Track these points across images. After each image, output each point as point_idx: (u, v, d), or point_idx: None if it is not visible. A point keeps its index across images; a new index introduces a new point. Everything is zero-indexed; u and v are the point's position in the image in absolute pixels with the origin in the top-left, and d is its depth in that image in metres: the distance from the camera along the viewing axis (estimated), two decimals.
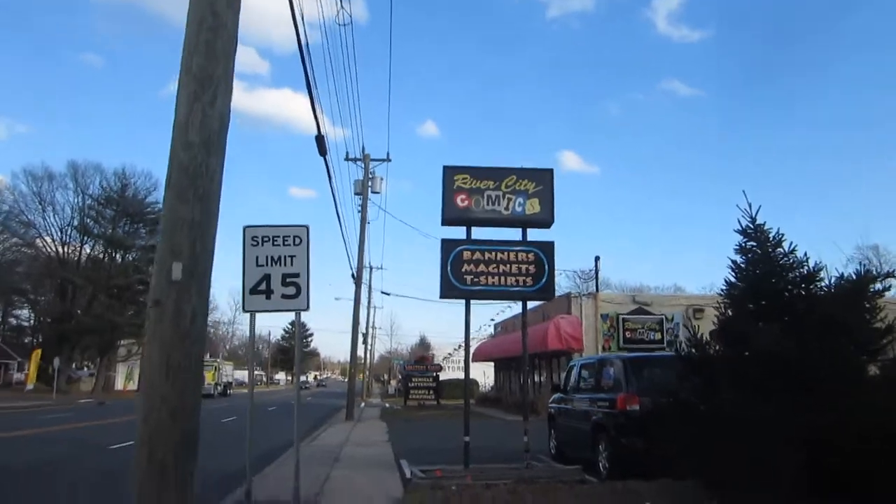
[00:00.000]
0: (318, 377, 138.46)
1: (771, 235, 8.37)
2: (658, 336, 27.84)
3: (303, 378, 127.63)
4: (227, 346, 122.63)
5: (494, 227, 12.56)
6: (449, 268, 11.74)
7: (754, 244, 8.53)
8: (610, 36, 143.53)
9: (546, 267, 11.94)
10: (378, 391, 79.43)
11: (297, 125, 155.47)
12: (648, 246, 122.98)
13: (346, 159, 30.37)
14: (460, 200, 12.07)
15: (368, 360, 76.08)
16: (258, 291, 9.33)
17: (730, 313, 8.61)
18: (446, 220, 12.21)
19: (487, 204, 12.16)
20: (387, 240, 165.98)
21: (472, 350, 43.08)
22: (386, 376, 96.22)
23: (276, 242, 9.56)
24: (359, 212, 30.77)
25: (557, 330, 26.80)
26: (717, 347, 8.63)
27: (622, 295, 28.65)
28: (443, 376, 43.50)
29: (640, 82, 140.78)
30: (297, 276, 9.44)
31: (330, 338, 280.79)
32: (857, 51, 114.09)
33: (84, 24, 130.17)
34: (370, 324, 68.89)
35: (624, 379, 10.99)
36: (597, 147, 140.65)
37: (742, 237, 8.64)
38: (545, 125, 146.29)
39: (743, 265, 8.63)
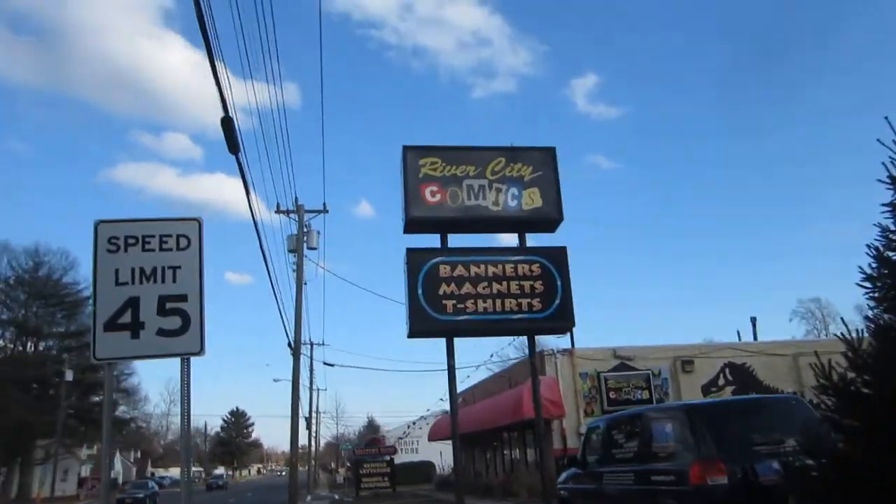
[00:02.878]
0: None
1: None
2: (646, 395, 24.28)
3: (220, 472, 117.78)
4: (162, 442, 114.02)
5: (479, 233, 9.04)
6: (420, 291, 8.04)
7: None
8: (534, 114, 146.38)
9: (558, 283, 8.34)
10: (326, 481, 73.30)
11: (234, 209, 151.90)
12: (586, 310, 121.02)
13: (277, 211, 26.52)
14: (430, 194, 8.45)
15: (314, 448, 70.16)
16: (118, 326, 5.71)
17: None
18: (411, 224, 8.55)
19: (469, 198, 8.55)
20: (327, 312, 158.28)
21: (436, 423, 38.34)
22: (333, 464, 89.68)
23: (148, 246, 6.05)
24: (293, 271, 26.83)
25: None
26: None
27: (601, 350, 25.03)
28: (397, 459, 38.90)
29: (564, 156, 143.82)
30: (183, 299, 5.90)
31: (274, 427, 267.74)
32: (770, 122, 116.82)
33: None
34: (313, 408, 63.58)
35: (693, 438, 7.29)
36: None
37: None
38: None
39: None
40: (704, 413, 7.54)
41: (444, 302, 7.89)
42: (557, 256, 8.28)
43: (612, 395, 24.04)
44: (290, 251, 27.05)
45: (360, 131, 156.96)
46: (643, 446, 8.23)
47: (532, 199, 8.42)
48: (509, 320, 8.03)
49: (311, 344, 48.07)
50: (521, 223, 8.46)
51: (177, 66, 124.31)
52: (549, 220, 8.43)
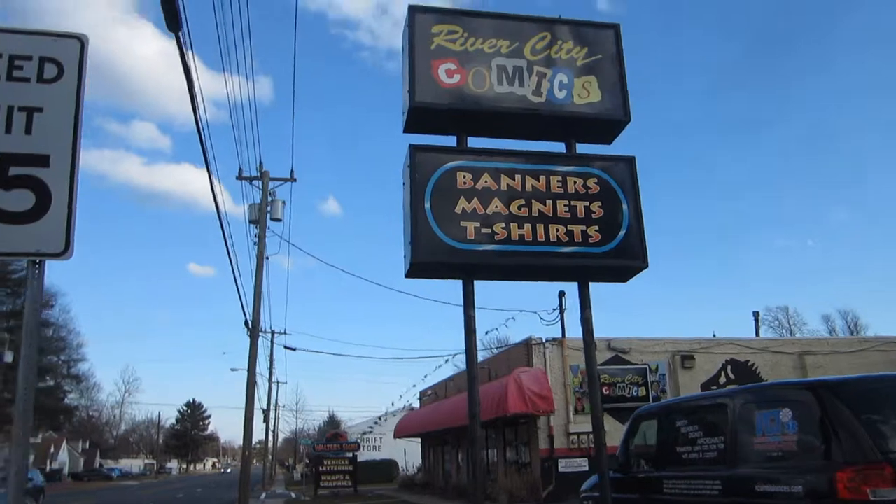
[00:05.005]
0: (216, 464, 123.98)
1: None
2: (642, 391, 22.02)
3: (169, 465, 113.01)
4: (114, 433, 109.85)
5: (510, 139, 6.54)
6: (428, 206, 5.56)
7: None
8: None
9: (625, 206, 5.89)
10: (283, 478, 70.21)
11: (200, 202, 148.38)
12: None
13: (239, 178, 23.66)
14: (446, 73, 5.94)
15: (271, 442, 67.02)
16: None
17: None
18: (417, 114, 5.93)
19: (499, 82, 6.05)
20: (290, 301, 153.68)
21: (403, 419, 35.67)
22: (291, 460, 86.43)
23: None
24: (255, 244, 24.07)
25: (519, 388, 20.48)
26: None
27: (595, 341, 22.72)
28: (358, 457, 36.25)
29: None
30: (41, 162, 3.54)
31: (232, 422, 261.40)
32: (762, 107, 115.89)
33: None
34: (272, 401, 60.46)
35: (834, 430, 4.86)
36: None
37: None
38: None
39: None
40: (849, 394, 5.09)
41: (462, 224, 5.42)
42: (623, 169, 5.85)
43: (605, 390, 21.73)
44: (251, 222, 24.26)
45: (330, 128, 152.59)
46: (736, 443, 5.78)
47: (588, 91, 6.01)
48: (555, 254, 5.56)
49: (273, 332, 45.19)
50: (572, 122, 6.04)
51: (149, 55, 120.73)
52: (610, 120, 5.97)
